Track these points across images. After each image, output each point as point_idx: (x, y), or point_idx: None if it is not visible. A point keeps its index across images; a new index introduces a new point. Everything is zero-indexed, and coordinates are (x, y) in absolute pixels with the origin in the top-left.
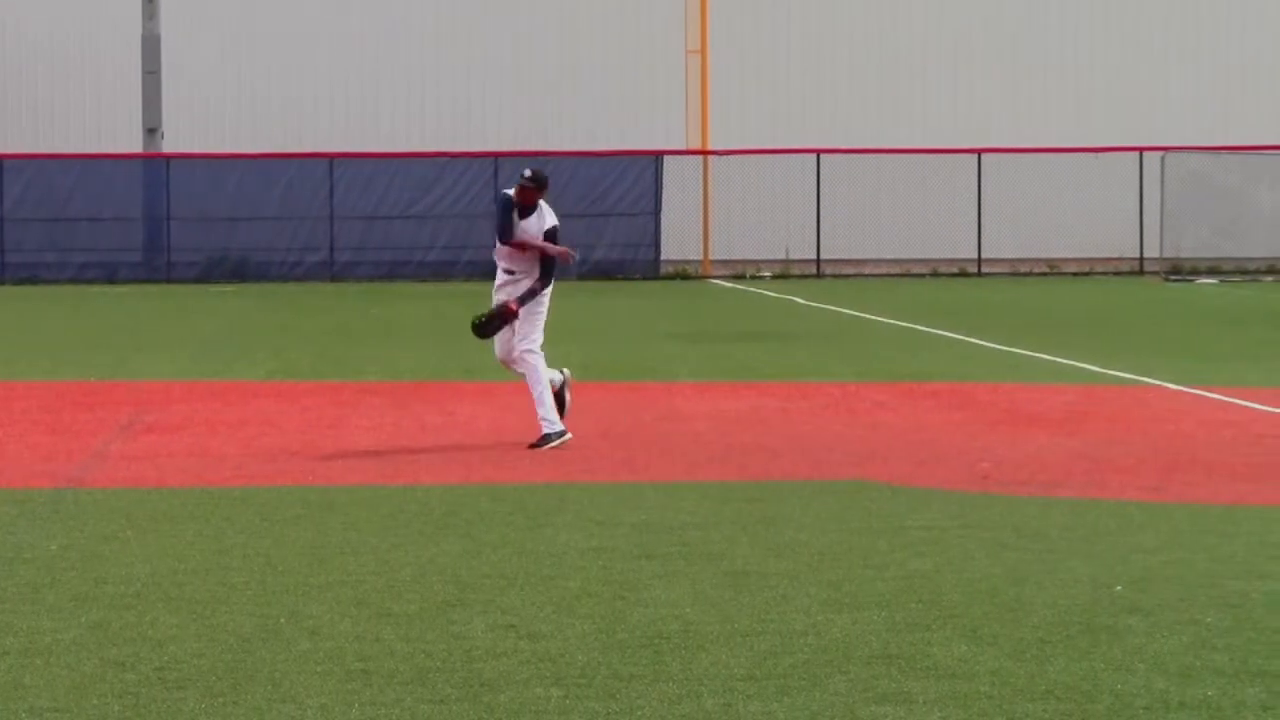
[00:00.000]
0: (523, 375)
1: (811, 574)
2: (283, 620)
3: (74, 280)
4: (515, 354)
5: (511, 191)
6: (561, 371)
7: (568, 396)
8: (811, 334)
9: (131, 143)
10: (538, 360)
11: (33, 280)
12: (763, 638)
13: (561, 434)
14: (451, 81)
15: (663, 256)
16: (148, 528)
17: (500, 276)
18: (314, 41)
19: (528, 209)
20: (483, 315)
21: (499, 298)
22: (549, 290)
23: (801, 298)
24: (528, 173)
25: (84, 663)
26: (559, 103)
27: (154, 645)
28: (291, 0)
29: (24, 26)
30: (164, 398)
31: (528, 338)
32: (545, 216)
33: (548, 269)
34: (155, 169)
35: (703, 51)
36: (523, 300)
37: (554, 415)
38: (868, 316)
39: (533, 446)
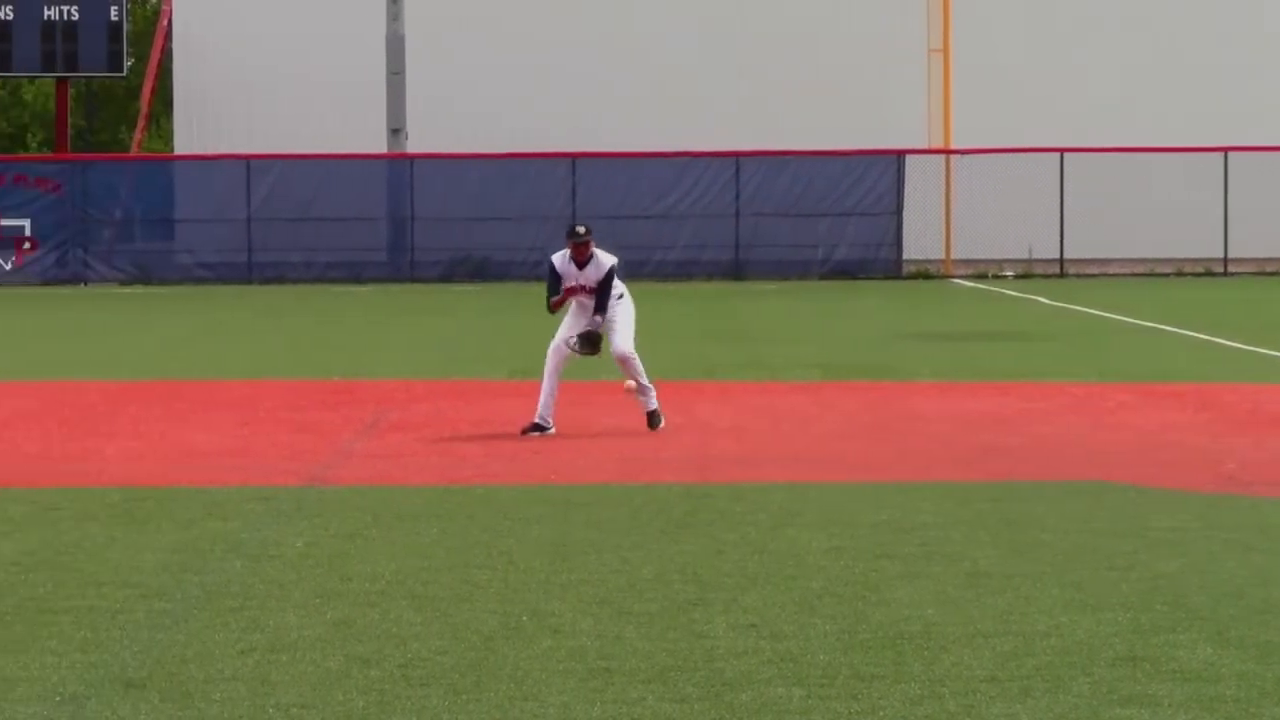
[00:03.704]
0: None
1: (1054, 575)
2: (525, 618)
3: (319, 280)
4: (615, 354)
5: (561, 254)
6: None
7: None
8: (1054, 334)
9: (376, 143)
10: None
11: (279, 280)
12: (1005, 639)
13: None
14: (692, 81)
15: (904, 256)
16: (392, 525)
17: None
18: (555, 41)
19: (584, 261)
20: (589, 334)
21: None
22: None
23: (1044, 297)
24: (579, 229)
25: (329, 659)
26: (799, 102)
27: (398, 642)
28: (533, 1)
29: (269, 29)
30: (407, 396)
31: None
32: (601, 263)
33: (602, 302)
34: (399, 169)
35: (945, 50)
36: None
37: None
38: (1111, 316)
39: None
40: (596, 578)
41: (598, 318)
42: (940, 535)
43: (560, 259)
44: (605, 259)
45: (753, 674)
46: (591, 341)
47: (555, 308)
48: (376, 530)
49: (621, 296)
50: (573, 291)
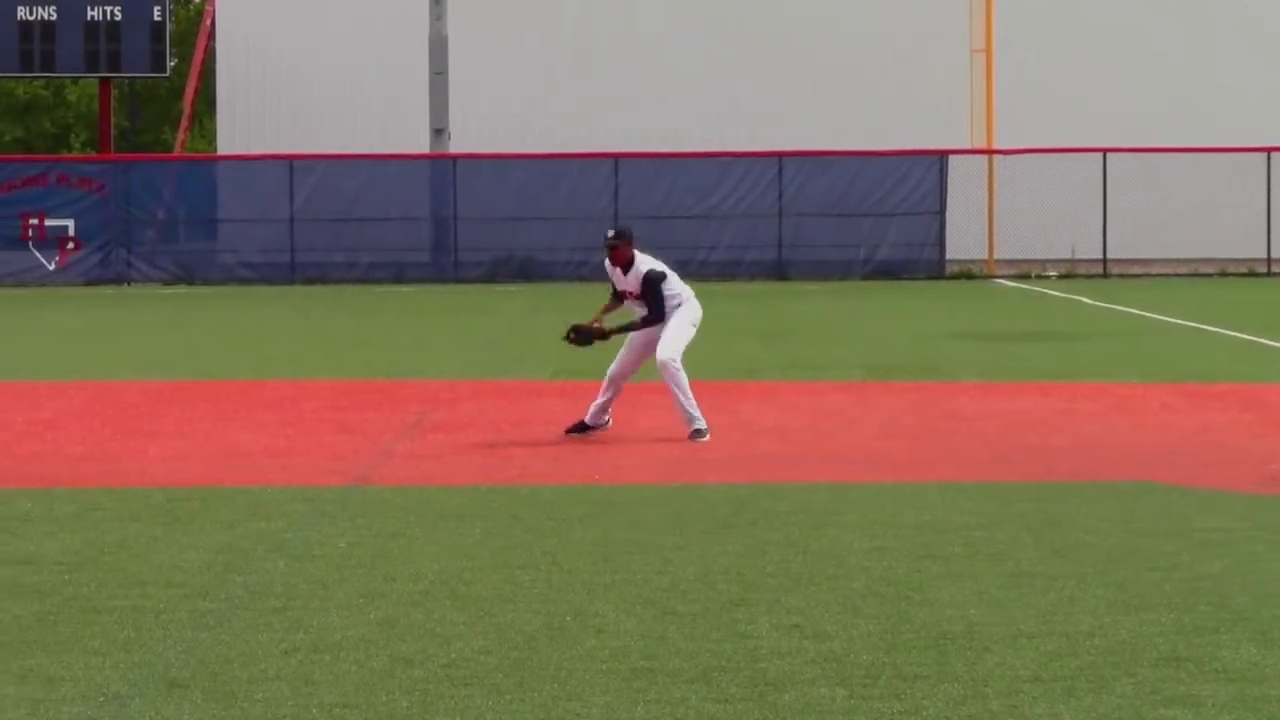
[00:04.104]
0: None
1: (1097, 575)
2: (568, 618)
3: (362, 280)
4: (659, 361)
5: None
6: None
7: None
8: (1097, 334)
9: (419, 143)
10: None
11: (321, 280)
12: (1048, 639)
13: (704, 431)
14: (735, 82)
15: (947, 256)
16: (435, 525)
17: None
18: (598, 41)
19: (626, 266)
20: (581, 328)
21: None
22: (692, 305)
23: (1087, 297)
24: (609, 234)
25: (373, 659)
26: (842, 102)
27: (442, 642)
28: (574, 2)
29: (313, 29)
30: (450, 396)
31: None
32: (640, 267)
33: (654, 309)
34: (442, 169)
35: (987, 50)
36: (620, 329)
37: (698, 411)
38: (1154, 317)
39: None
40: (640, 578)
41: (609, 331)
42: (983, 535)
43: (608, 262)
44: (643, 267)
45: (796, 674)
46: (582, 337)
47: (604, 311)
48: (420, 530)
49: (680, 305)
50: (623, 296)
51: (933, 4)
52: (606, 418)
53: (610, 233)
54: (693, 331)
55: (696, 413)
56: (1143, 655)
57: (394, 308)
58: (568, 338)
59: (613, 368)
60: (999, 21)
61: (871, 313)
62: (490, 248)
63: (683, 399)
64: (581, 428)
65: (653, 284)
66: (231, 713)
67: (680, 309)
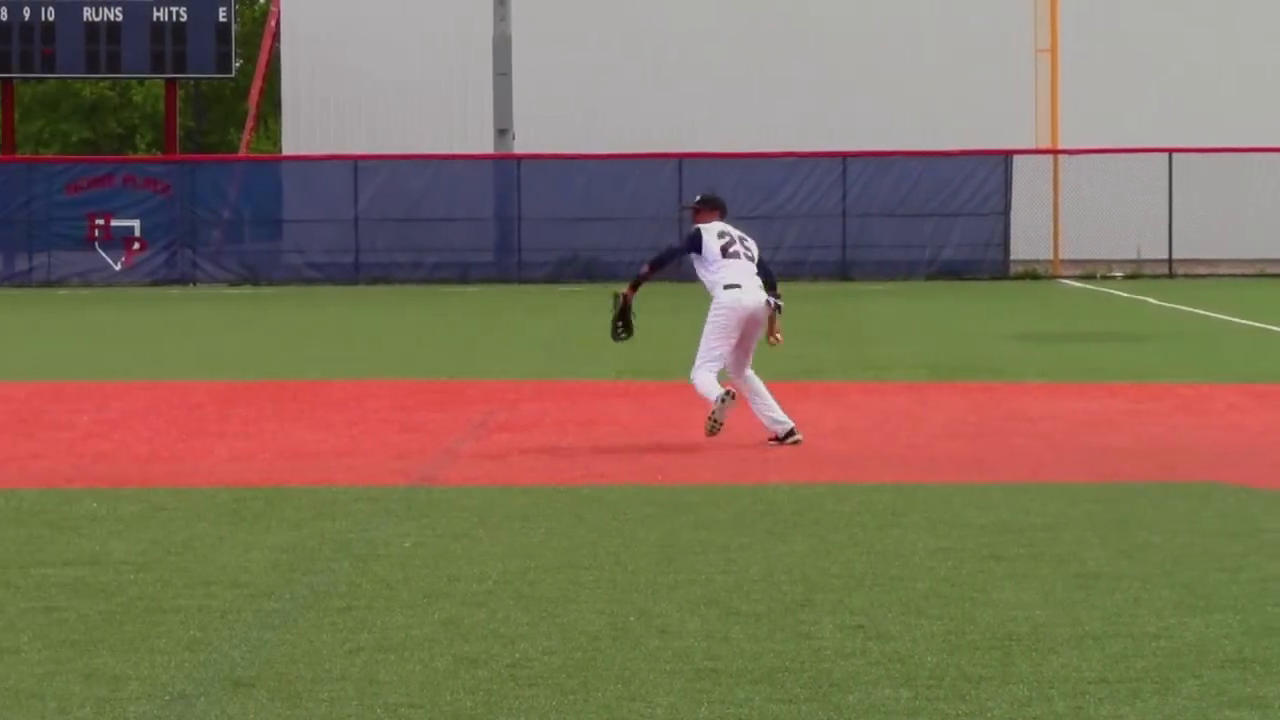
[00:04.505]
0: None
1: (1163, 576)
2: (632, 618)
3: (426, 280)
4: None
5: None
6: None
7: (720, 417)
8: (1163, 335)
9: (483, 144)
10: (697, 375)
11: (386, 280)
12: (1114, 640)
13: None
14: (799, 81)
15: (1011, 256)
16: (499, 525)
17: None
18: (662, 41)
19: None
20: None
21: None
22: (720, 304)
23: (1153, 298)
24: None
25: (437, 659)
26: (906, 102)
27: (505, 642)
28: (638, 2)
29: (377, 29)
30: (515, 396)
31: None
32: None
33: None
34: (506, 170)
35: (1053, 50)
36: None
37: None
38: (1220, 317)
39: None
40: (703, 578)
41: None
42: (1048, 536)
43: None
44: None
45: (860, 675)
46: (624, 321)
47: (647, 275)
48: (484, 530)
49: (712, 304)
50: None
51: (998, 4)
52: (771, 413)
53: (697, 197)
54: (716, 331)
55: (720, 416)
56: (1209, 657)
57: (458, 308)
58: (619, 331)
59: (732, 369)
60: (1064, 21)
61: (935, 313)
62: (554, 248)
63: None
64: (782, 437)
65: (687, 237)
66: (296, 712)
67: (710, 314)
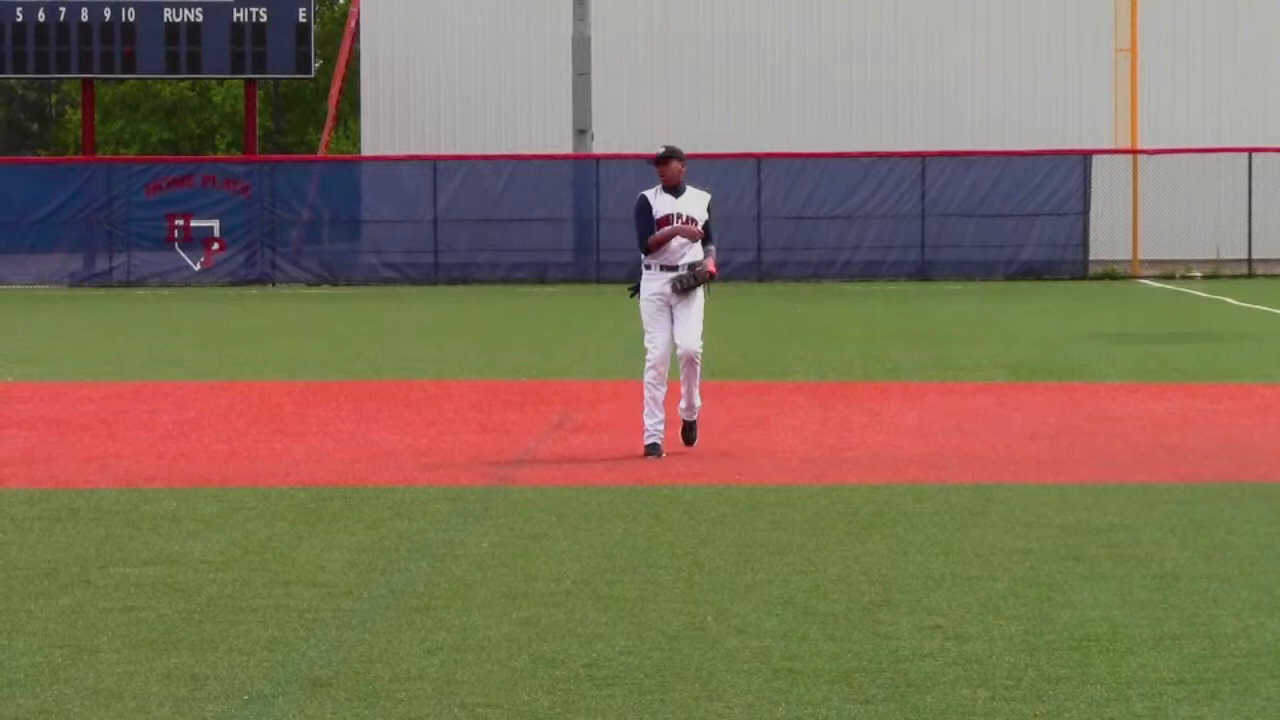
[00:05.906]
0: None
1: (1243, 577)
2: (710, 618)
3: (504, 280)
4: (686, 352)
5: (652, 190)
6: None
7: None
8: (1242, 335)
9: (562, 144)
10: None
11: (465, 280)
12: (1192, 641)
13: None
14: (877, 81)
15: (1091, 256)
16: (577, 525)
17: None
18: (740, 41)
19: (677, 190)
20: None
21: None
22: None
23: (1232, 298)
24: (662, 148)
25: (514, 658)
26: (986, 102)
27: (583, 642)
28: (718, 1)
29: (457, 30)
30: (592, 397)
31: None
32: (701, 191)
33: (708, 239)
34: (585, 170)
35: (1132, 50)
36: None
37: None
38: None
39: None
40: (781, 578)
41: (707, 252)
42: (1127, 537)
43: (652, 193)
44: (700, 189)
45: (937, 675)
46: (696, 277)
47: (656, 246)
48: (561, 530)
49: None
50: (668, 227)
51: (1078, 4)
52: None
53: (662, 148)
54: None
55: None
56: None
57: (537, 308)
58: (683, 288)
59: (661, 351)
60: (1143, 20)
61: (1014, 313)
62: (634, 248)
63: (696, 398)
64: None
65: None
66: (374, 712)
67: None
